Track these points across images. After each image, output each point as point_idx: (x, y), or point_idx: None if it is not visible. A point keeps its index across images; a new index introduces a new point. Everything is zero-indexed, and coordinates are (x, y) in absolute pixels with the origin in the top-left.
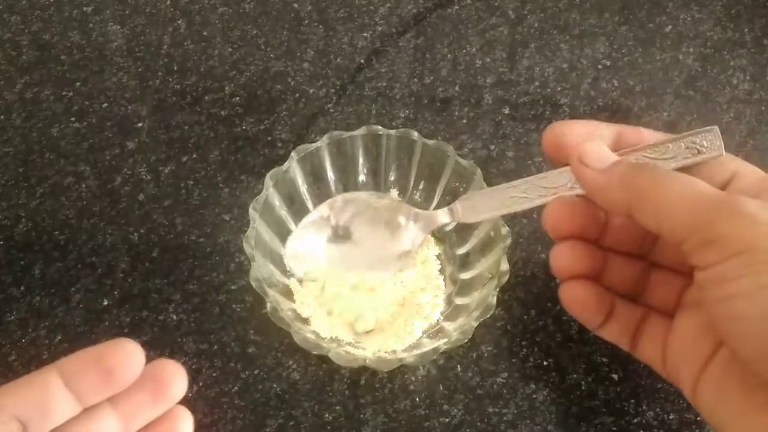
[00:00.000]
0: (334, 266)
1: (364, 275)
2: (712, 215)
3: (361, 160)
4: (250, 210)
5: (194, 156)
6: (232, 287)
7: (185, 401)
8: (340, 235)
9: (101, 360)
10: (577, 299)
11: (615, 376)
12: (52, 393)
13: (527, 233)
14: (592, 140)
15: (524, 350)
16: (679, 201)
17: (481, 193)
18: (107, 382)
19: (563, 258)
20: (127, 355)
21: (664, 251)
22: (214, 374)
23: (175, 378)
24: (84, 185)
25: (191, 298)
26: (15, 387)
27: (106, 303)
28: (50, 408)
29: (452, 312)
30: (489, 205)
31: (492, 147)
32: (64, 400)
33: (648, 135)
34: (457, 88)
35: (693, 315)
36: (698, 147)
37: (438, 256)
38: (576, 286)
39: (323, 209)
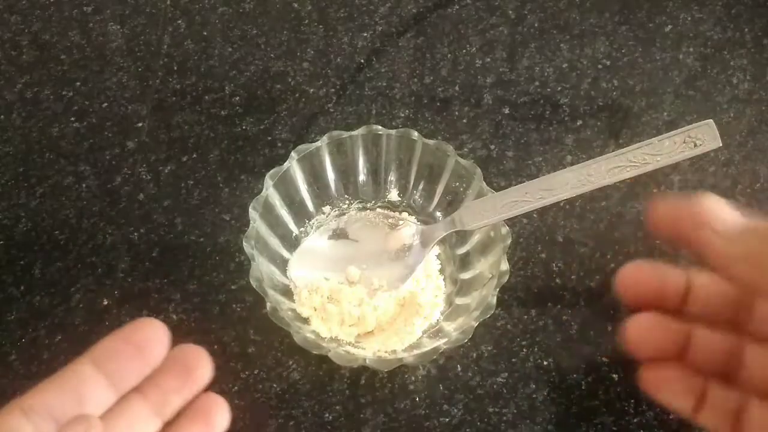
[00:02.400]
0: (336, 284)
1: (366, 296)
2: None
3: (361, 160)
4: (250, 210)
5: (194, 156)
6: (232, 287)
7: None
8: (341, 256)
9: (130, 338)
10: (661, 385)
11: (615, 376)
12: (86, 385)
13: (527, 233)
14: (716, 199)
15: (524, 350)
16: None
17: (482, 201)
18: (139, 360)
19: (641, 332)
20: (154, 331)
21: (764, 320)
22: (214, 374)
23: (200, 361)
24: (84, 185)
25: (191, 298)
26: (48, 384)
27: (106, 303)
28: (86, 399)
29: (452, 312)
30: (490, 210)
31: (492, 147)
32: (99, 388)
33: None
34: (457, 88)
35: None
36: (695, 140)
37: (438, 256)
38: (660, 369)
39: (326, 229)
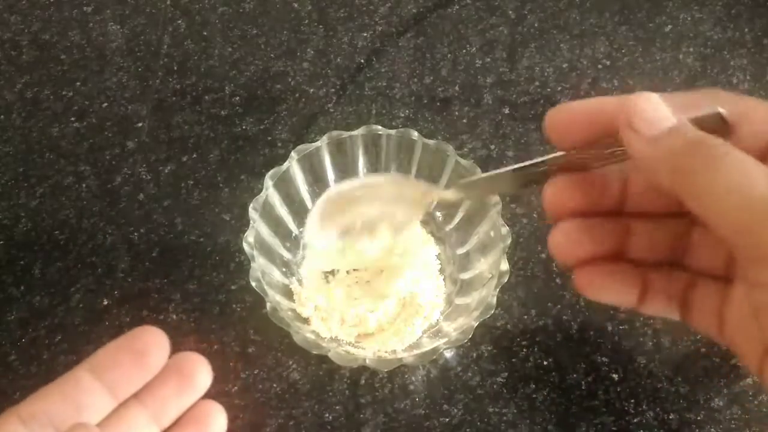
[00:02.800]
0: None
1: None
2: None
3: (361, 160)
4: (250, 210)
5: (194, 156)
6: (232, 287)
7: None
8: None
9: (130, 347)
10: (595, 285)
11: (615, 376)
12: (85, 391)
13: (527, 233)
14: (646, 97)
15: (524, 350)
16: (732, 198)
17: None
18: (139, 368)
19: (563, 239)
20: (154, 338)
21: None
22: (214, 374)
23: (199, 369)
24: (84, 185)
25: (191, 298)
26: (47, 392)
27: (106, 303)
28: (85, 406)
29: (452, 312)
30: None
31: (492, 147)
32: (98, 395)
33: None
34: (457, 88)
35: (746, 294)
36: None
37: (438, 256)
38: (591, 272)
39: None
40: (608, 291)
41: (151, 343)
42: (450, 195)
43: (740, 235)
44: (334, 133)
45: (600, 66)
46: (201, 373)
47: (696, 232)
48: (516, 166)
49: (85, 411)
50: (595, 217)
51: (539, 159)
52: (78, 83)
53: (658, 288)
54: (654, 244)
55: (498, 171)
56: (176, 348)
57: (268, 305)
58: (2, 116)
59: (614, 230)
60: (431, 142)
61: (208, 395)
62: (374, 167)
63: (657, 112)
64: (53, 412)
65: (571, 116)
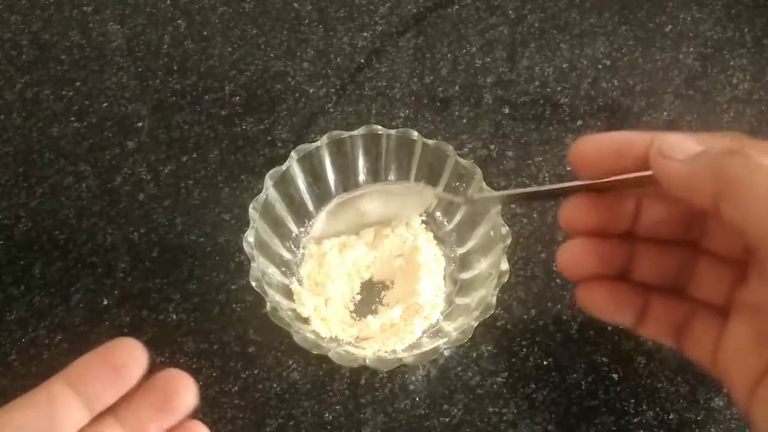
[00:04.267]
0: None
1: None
2: None
3: (361, 160)
4: (250, 210)
5: (194, 156)
6: (232, 287)
7: None
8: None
9: (106, 358)
10: (596, 303)
11: (615, 376)
12: (60, 403)
13: (527, 233)
14: (673, 134)
15: (524, 350)
16: None
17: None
18: (115, 380)
19: (571, 257)
20: (131, 351)
21: (716, 236)
22: (214, 374)
23: (183, 388)
24: (84, 185)
25: (191, 298)
26: (20, 403)
27: (106, 303)
28: (59, 419)
29: (452, 312)
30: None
31: (492, 147)
32: (74, 407)
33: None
34: (457, 88)
35: (749, 320)
36: None
37: (438, 256)
38: (593, 290)
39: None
40: (608, 310)
41: (128, 356)
42: (457, 200)
43: None
44: (334, 132)
45: (600, 66)
46: (184, 393)
47: (701, 262)
48: (532, 190)
49: (60, 423)
50: (606, 237)
51: (556, 186)
52: (78, 83)
53: (657, 313)
54: (659, 270)
55: (513, 192)
56: (177, 348)
57: (268, 305)
58: (2, 116)
59: (622, 253)
60: (431, 142)
61: (209, 396)
62: (374, 167)
63: (686, 142)
64: (26, 424)
65: (598, 149)
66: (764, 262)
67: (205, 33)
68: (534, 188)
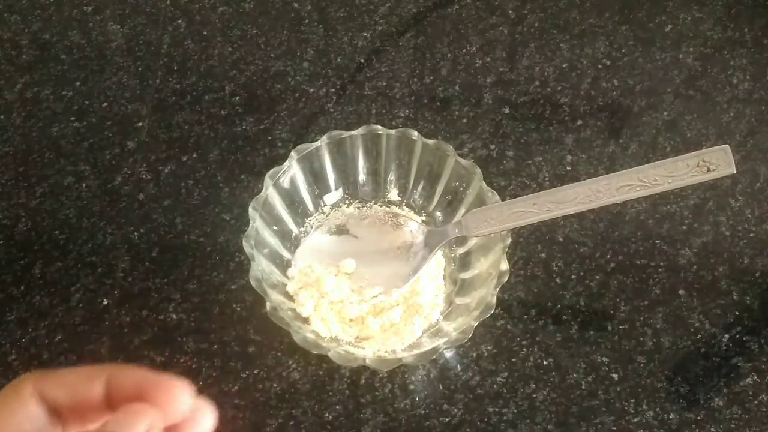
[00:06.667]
0: (343, 286)
1: (372, 294)
2: None
3: (360, 160)
4: (250, 209)
5: (194, 156)
6: (232, 287)
7: None
8: (346, 249)
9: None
10: None
11: (615, 376)
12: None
13: (527, 233)
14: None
15: (524, 350)
16: None
17: (489, 208)
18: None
19: None
20: (176, 396)
21: None
22: (214, 374)
23: (176, 395)
24: (84, 185)
25: (191, 298)
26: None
27: (106, 302)
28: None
29: (452, 312)
30: (496, 218)
31: (492, 146)
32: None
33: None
34: (457, 88)
35: None
36: (709, 165)
37: (438, 257)
38: None
39: (329, 226)
40: None
41: (170, 399)
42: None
43: None
44: (334, 132)
45: (600, 66)
46: (179, 403)
47: None
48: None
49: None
50: None
51: (546, 217)
52: (78, 83)
53: None
54: None
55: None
56: (177, 348)
57: (268, 305)
58: (2, 116)
59: None
60: (431, 141)
61: (209, 396)
62: (374, 167)
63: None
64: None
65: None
66: None
67: (205, 33)
68: (530, 219)
